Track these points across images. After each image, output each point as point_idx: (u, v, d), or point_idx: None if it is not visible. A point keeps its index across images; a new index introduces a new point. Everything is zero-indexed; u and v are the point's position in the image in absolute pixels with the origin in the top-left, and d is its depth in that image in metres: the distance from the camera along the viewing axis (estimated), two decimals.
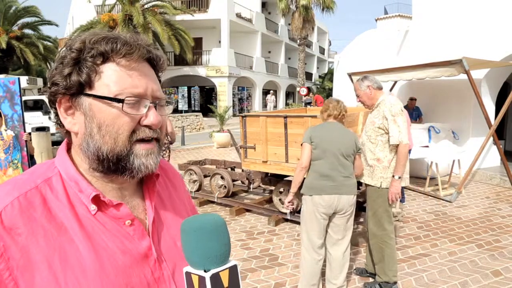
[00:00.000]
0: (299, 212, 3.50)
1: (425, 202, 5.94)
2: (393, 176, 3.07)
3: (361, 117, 5.03)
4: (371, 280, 3.43)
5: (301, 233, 3.08)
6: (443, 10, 8.29)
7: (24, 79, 13.89)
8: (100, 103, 0.68)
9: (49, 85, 0.71)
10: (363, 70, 7.38)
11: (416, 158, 6.64)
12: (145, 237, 0.73)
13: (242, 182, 6.25)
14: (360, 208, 4.84)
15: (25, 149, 4.79)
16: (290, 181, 4.06)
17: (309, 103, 19.28)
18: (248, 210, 5.44)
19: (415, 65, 6.53)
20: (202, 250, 0.59)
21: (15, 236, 0.62)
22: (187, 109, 24.10)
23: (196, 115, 18.49)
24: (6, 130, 4.62)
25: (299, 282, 3.10)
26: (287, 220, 4.92)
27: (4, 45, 20.10)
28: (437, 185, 6.20)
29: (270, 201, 5.48)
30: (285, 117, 4.55)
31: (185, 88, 24.48)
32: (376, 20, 16.59)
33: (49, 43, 23.95)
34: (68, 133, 0.74)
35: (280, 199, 4.98)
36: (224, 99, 23.38)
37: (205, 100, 26.99)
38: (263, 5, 29.48)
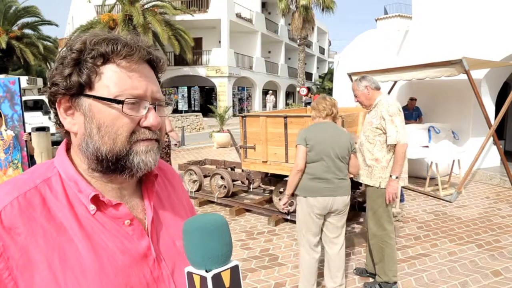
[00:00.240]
0: (295, 211, 3.50)
1: (425, 202, 5.94)
2: (390, 176, 3.08)
3: (361, 117, 5.03)
4: (371, 280, 3.43)
5: (297, 234, 3.09)
6: (443, 10, 8.29)
7: (24, 79, 13.90)
8: (100, 104, 0.68)
9: (49, 85, 0.71)
10: (363, 70, 7.38)
11: (416, 158, 6.64)
12: (144, 236, 0.74)
13: (242, 182, 6.25)
14: (360, 208, 4.84)
15: (25, 149, 4.79)
16: None
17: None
18: (248, 210, 5.44)
19: (415, 65, 6.53)
20: (203, 250, 0.59)
21: (14, 236, 0.63)
22: (187, 109, 24.11)
23: (196, 115, 18.50)
24: (6, 130, 4.62)
25: (300, 282, 3.11)
26: (287, 220, 4.92)
27: (4, 45, 20.11)
28: (437, 185, 6.20)
29: (270, 201, 5.48)
30: (285, 117, 4.55)
31: (185, 88, 24.49)
32: (376, 20, 16.60)
33: (49, 43, 23.97)
34: (67, 133, 0.74)
35: (280, 199, 4.98)
36: (224, 99, 23.38)
37: (205, 100, 26.99)
38: (263, 5, 29.48)
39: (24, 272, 0.62)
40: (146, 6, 20.36)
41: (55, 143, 9.43)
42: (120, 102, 0.68)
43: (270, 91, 26.92)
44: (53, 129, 9.08)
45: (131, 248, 0.71)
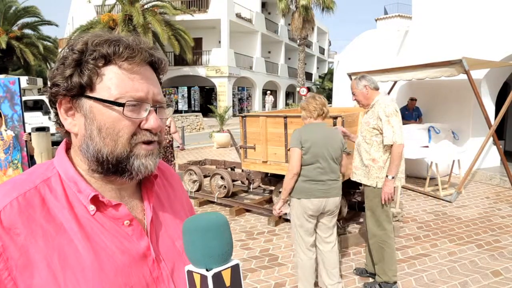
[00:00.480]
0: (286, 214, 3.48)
1: (425, 202, 5.94)
2: (386, 176, 3.09)
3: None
4: (371, 280, 3.43)
5: (293, 235, 3.08)
6: (443, 10, 8.30)
7: (24, 79, 13.90)
8: (100, 106, 0.68)
9: (50, 86, 0.71)
10: (363, 70, 7.38)
11: (416, 158, 6.64)
12: (144, 237, 0.74)
13: (242, 182, 6.25)
14: (360, 208, 4.84)
15: (25, 149, 4.79)
16: None
17: None
18: (248, 210, 5.44)
19: (415, 65, 6.53)
20: (204, 249, 0.59)
21: (14, 236, 0.63)
22: (187, 109, 24.12)
23: (196, 115, 18.50)
24: (6, 130, 4.62)
25: (299, 284, 3.10)
26: (287, 220, 4.92)
27: (4, 45, 20.11)
28: (437, 185, 6.20)
29: (270, 201, 5.48)
30: (285, 117, 4.55)
31: (185, 88, 24.49)
32: (376, 20, 16.61)
33: (49, 43, 23.98)
34: (67, 133, 0.74)
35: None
36: (224, 99, 23.39)
37: (205, 100, 27.00)
38: (263, 5, 29.49)
39: (23, 273, 0.62)
40: (146, 6, 20.36)
41: (55, 143, 9.43)
42: (121, 104, 0.67)
43: (268, 91, 26.92)
44: (53, 129, 9.08)
45: (131, 248, 0.71)
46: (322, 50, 42.98)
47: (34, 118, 11.52)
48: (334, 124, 4.10)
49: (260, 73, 27.56)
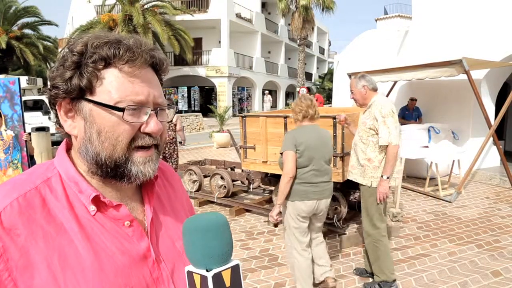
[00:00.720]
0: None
1: (425, 202, 5.94)
2: (381, 176, 3.12)
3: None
4: (371, 280, 3.43)
5: (288, 238, 3.08)
6: (443, 10, 8.29)
7: (24, 79, 13.90)
8: (100, 109, 0.68)
9: (49, 88, 0.71)
10: (363, 70, 7.37)
11: (416, 158, 6.64)
12: (144, 238, 0.74)
13: (242, 182, 6.25)
14: (360, 208, 4.83)
15: (25, 149, 4.79)
16: None
17: None
18: (248, 210, 5.44)
19: (415, 65, 6.53)
20: (204, 249, 0.59)
21: (14, 237, 0.62)
22: (187, 109, 24.12)
23: (196, 115, 18.50)
24: (6, 130, 4.61)
25: (297, 285, 3.09)
26: None
27: (4, 45, 20.10)
28: (437, 185, 6.20)
29: (270, 201, 5.48)
30: (285, 117, 4.55)
31: (185, 88, 24.49)
32: (376, 20, 16.61)
33: (49, 43, 23.97)
34: (68, 133, 0.74)
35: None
36: (224, 99, 23.39)
37: (205, 100, 27.00)
38: (263, 5, 29.49)
39: (24, 273, 0.62)
40: (146, 6, 20.36)
41: (55, 143, 9.43)
42: (121, 109, 0.67)
43: (267, 91, 26.91)
44: (53, 129, 9.07)
45: (131, 249, 0.71)
46: (322, 50, 42.98)
47: (34, 118, 11.51)
48: (334, 124, 4.11)
49: (260, 73, 27.56)
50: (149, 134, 0.71)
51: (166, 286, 0.74)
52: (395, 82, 8.48)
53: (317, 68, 41.39)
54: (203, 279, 0.58)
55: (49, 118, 11.00)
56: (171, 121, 5.56)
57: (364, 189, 3.24)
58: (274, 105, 28.95)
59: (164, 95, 0.79)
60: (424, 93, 8.36)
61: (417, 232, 4.63)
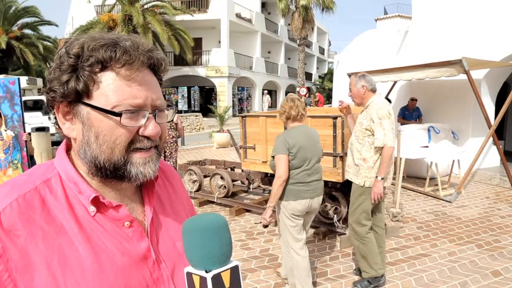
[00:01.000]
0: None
1: (425, 202, 5.94)
2: (376, 177, 3.15)
3: None
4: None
5: (284, 238, 3.10)
6: (443, 10, 8.29)
7: (24, 80, 13.89)
8: (98, 113, 0.67)
9: (46, 90, 0.70)
10: (363, 70, 7.36)
11: (416, 158, 6.64)
12: (144, 238, 0.73)
13: (242, 182, 6.25)
14: None
15: (25, 149, 4.79)
16: None
17: (309, 104, 19.29)
18: (247, 210, 5.44)
19: (414, 65, 6.53)
20: (203, 250, 0.59)
21: (14, 237, 0.62)
22: (187, 109, 24.11)
23: (196, 115, 18.50)
24: (6, 131, 4.61)
25: (296, 285, 3.08)
26: None
27: (4, 45, 20.08)
28: (437, 185, 6.20)
29: None
30: None
31: (185, 88, 24.47)
32: (376, 20, 16.61)
33: (48, 43, 23.93)
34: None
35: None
36: (224, 99, 23.39)
37: (205, 100, 26.99)
38: (263, 5, 29.48)
39: (23, 274, 0.62)
40: (146, 6, 20.35)
41: (55, 143, 9.43)
42: (118, 114, 0.66)
43: (265, 91, 26.90)
44: (53, 129, 9.05)
45: (131, 249, 0.71)
46: (322, 50, 42.98)
47: (34, 118, 11.50)
48: (334, 124, 4.11)
49: (260, 73, 27.56)
50: (147, 137, 0.70)
51: (167, 286, 0.74)
52: (395, 82, 8.48)
53: (317, 68, 41.39)
54: (203, 280, 0.58)
55: (49, 118, 10.86)
56: (172, 120, 5.59)
57: (355, 187, 3.28)
58: (274, 105, 28.94)
59: (164, 96, 0.78)
60: (424, 93, 8.36)
61: (417, 232, 4.63)
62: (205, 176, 6.05)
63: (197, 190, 5.96)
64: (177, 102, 23.88)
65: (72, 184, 0.70)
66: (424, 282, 3.40)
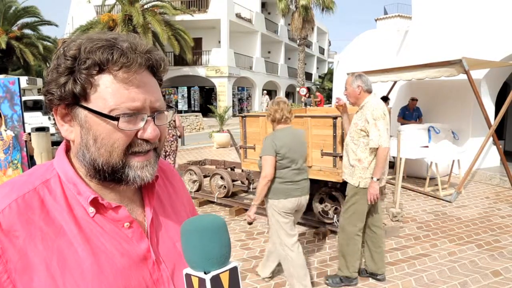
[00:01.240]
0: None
1: (425, 202, 5.94)
2: (371, 178, 3.15)
3: None
4: (371, 280, 3.44)
5: (277, 237, 3.12)
6: (443, 10, 8.29)
7: (23, 80, 13.89)
8: (95, 117, 0.67)
9: (44, 93, 0.70)
10: (363, 70, 7.37)
11: (416, 158, 6.64)
12: (144, 239, 0.73)
13: (242, 182, 6.25)
14: None
15: (24, 149, 4.79)
16: None
17: (309, 104, 19.30)
18: (247, 210, 5.43)
19: (414, 65, 6.53)
20: (202, 251, 0.58)
21: (13, 238, 0.62)
22: (186, 109, 24.11)
23: (196, 115, 18.50)
24: (6, 131, 4.61)
25: (295, 282, 3.08)
26: None
27: (3, 45, 20.07)
28: (436, 185, 6.20)
29: None
30: None
31: (185, 88, 24.48)
32: (375, 20, 16.61)
33: (48, 43, 23.92)
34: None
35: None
36: (224, 99, 23.39)
37: (205, 100, 26.99)
38: (263, 5, 29.48)
39: (22, 275, 0.62)
40: (146, 6, 20.36)
41: (55, 143, 9.42)
42: (116, 118, 0.65)
43: (264, 91, 26.91)
44: (53, 129, 9.04)
45: (131, 250, 0.71)
46: (322, 50, 42.98)
47: (34, 118, 11.50)
48: (334, 125, 4.10)
49: (260, 73, 27.56)
50: (146, 140, 0.69)
51: (166, 287, 0.73)
52: (395, 82, 8.48)
53: (317, 68, 41.38)
54: (201, 281, 0.57)
55: (49, 118, 10.90)
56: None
57: (350, 187, 3.29)
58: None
59: (164, 96, 0.78)
60: (424, 93, 8.36)
61: (417, 232, 4.63)
62: (205, 176, 6.05)
63: (197, 190, 5.96)
64: (177, 102, 23.89)
65: (71, 185, 0.70)
66: (424, 282, 3.40)
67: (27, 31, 22.79)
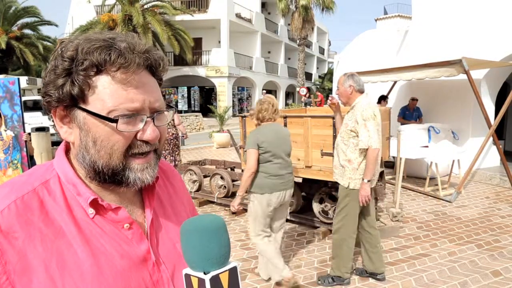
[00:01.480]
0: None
1: (425, 202, 5.94)
2: (362, 179, 3.14)
3: None
4: (371, 280, 3.44)
5: (253, 228, 3.28)
6: (443, 10, 8.29)
7: (23, 80, 13.90)
8: (94, 119, 0.66)
9: (42, 95, 0.69)
10: (363, 70, 7.37)
11: (416, 158, 6.64)
12: (144, 240, 0.73)
13: None
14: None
15: (24, 149, 4.79)
16: None
17: (309, 104, 19.30)
18: (247, 210, 5.43)
19: (414, 65, 6.53)
20: (201, 251, 0.58)
21: (12, 240, 0.62)
22: (186, 109, 24.13)
23: (196, 115, 18.51)
24: (5, 131, 4.61)
25: (271, 269, 3.20)
26: (286, 220, 4.91)
27: (3, 46, 20.07)
28: (437, 185, 6.20)
29: None
30: (285, 117, 4.54)
31: (185, 88, 24.49)
32: (375, 20, 16.61)
33: (48, 43, 23.91)
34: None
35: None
36: (224, 99, 23.39)
37: (205, 100, 27.00)
38: (263, 5, 29.48)
39: (22, 277, 0.61)
40: (145, 6, 20.35)
41: (55, 143, 9.42)
42: (114, 120, 0.65)
43: (264, 91, 26.91)
44: (52, 130, 9.02)
45: (130, 252, 0.71)
46: (322, 50, 42.98)
47: (34, 118, 11.50)
48: (334, 124, 4.10)
49: (260, 73, 27.56)
50: (146, 142, 0.69)
51: None
52: (395, 82, 8.48)
53: (317, 68, 41.38)
54: (201, 282, 0.57)
55: (49, 118, 10.97)
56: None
57: (341, 189, 3.29)
58: None
59: (164, 96, 0.77)
60: (424, 93, 8.36)
61: (417, 232, 4.63)
62: (205, 176, 6.05)
63: (197, 190, 5.96)
64: (177, 102, 23.90)
65: (71, 186, 0.69)
66: (424, 282, 3.40)
67: (27, 31, 22.80)
